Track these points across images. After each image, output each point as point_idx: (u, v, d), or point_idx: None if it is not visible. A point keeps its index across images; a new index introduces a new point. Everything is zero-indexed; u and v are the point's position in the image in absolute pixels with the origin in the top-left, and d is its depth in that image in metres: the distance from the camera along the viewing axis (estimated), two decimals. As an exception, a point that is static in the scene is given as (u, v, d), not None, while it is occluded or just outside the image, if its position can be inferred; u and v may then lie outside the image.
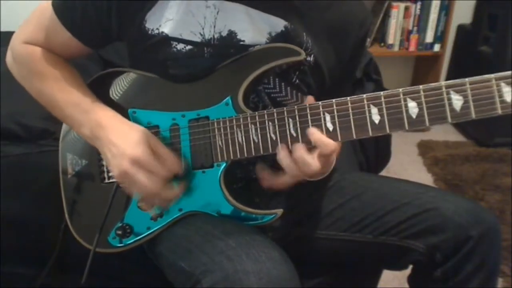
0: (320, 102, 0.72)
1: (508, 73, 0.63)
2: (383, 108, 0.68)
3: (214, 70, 0.79)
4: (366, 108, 0.69)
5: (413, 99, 0.67)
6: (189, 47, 0.78)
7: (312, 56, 0.82)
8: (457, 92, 0.65)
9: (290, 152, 0.73)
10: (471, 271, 0.82)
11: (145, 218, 0.83)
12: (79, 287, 0.84)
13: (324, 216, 0.93)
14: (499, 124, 2.27)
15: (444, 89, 0.65)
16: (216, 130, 0.77)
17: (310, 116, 0.72)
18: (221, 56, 0.78)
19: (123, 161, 0.73)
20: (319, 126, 0.71)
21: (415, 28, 2.50)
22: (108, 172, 0.87)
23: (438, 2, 2.45)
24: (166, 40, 0.78)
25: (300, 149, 0.71)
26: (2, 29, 1.62)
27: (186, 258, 0.76)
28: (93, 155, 0.87)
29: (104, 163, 0.86)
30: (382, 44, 2.56)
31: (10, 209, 1.06)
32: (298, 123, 0.72)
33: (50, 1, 0.80)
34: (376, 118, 0.69)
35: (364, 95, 0.69)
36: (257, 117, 0.75)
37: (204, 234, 0.77)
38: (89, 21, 0.79)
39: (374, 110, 0.69)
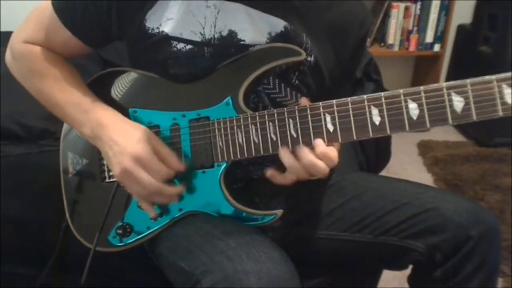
0: (320, 103, 0.72)
1: (509, 74, 0.63)
2: (383, 109, 0.68)
3: (214, 70, 0.79)
4: (367, 109, 0.69)
5: (413, 100, 0.67)
6: (189, 46, 0.78)
7: (312, 56, 0.82)
8: (458, 93, 0.65)
9: (292, 152, 0.72)
10: (471, 271, 0.82)
11: (145, 218, 0.83)
12: (79, 287, 0.84)
13: (324, 216, 0.93)
14: (499, 124, 2.26)
15: (445, 91, 0.65)
16: (216, 130, 0.77)
17: (311, 117, 0.72)
18: (221, 56, 0.78)
19: (124, 159, 0.73)
20: (319, 127, 0.71)
21: (415, 28, 2.50)
22: (108, 171, 0.87)
23: (438, 2, 2.44)
24: (166, 39, 0.78)
25: (308, 154, 0.71)
26: (2, 29, 1.62)
27: (186, 258, 0.76)
28: (94, 155, 0.87)
29: (104, 162, 0.86)
30: (382, 44, 2.56)
31: (10, 209, 1.06)
32: (298, 123, 0.72)
33: (50, 1, 0.80)
34: (377, 119, 0.69)
35: (365, 96, 0.69)
36: (257, 118, 0.75)
37: (204, 234, 0.77)
38: (89, 20, 0.79)
39: (375, 111, 0.69)
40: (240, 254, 0.69)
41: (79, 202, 0.90)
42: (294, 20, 0.80)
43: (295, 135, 0.72)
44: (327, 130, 0.71)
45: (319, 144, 0.71)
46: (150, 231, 0.83)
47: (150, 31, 0.78)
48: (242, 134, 0.76)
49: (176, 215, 0.82)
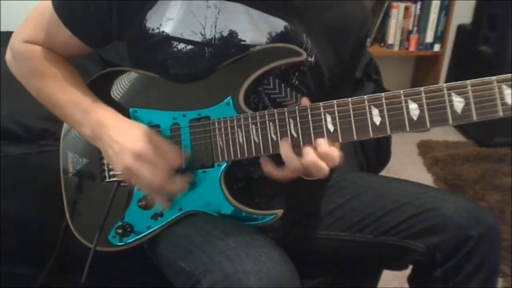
0: (321, 103, 0.71)
1: (509, 75, 0.63)
2: (384, 110, 0.68)
3: (215, 70, 0.79)
4: (367, 109, 0.69)
5: (414, 100, 0.67)
6: (190, 46, 0.78)
7: (312, 56, 0.82)
8: (458, 94, 0.65)
9: (293, 146, 0.72)
10: (471, 271, 0.82)
11: (145, 217, 0.83)
12: (79, 287, 0.84)
13: (324, 216, 0.93)
14: (499, 124, 2.27)
15: (445, 91, 0.65)
16: (217, 130, 0.77)
17: (311, 117, 0.72)
18: (221, 56, 0.78)
19: (126, 156, 0.73)
20: (320, 127, 0.71)
21: (415, 28, 2.50)
22: (108, 171, 0.87)
23: (438, 2, 2.44)
24: (166, 39, 0.78)
25: (311, 153, 0.71)
26: (2, 29, 1.61)
27: (186, 258, 0.76)
28: (93, 154, 0.87)
29: (104, 162, 0.87)
30: (382, 44, 2.56)
31: (10, 209, 1.06)
32: (299, 123, 0.72)
33: (50, 1, 0.80)
34: (377, 120, 0.69)
35: (365, 96, 0.69)
36: (258, 117, 0.75)
37: (204, 234, 0.77)
38: (89, 20, 0.79)
39: (375, 112, 0.68)
40: (240, 254, 0.69)
41: (79, 202, 0.90)
42: (294, 20, 0.80)
43: (295, 135, 0.72)
44: (328, 130, 0.71)
45: (321, 144, 0.71)
46: (150, 230, 0.83)
47: (150, 31, 0.78)
48: (242, 134, 0.76)
49: (176, 215, 0.82)
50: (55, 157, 0.93)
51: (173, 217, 0.82)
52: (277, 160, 0.77)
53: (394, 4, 2.46)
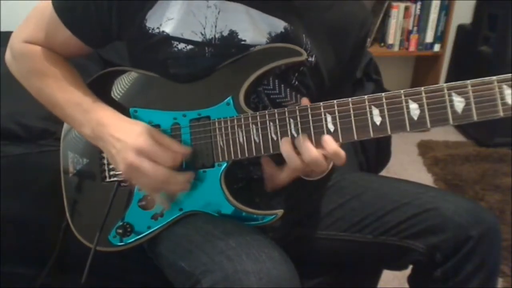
0: (321, 103, 0.71)
1: (510, 75, 0.63)
2: (384, 110, 0.68)
3: (215, 69, 0.79)
4: (368, 109, 0.69)
5: (414, 100, 0.67)
6: (190, 46, 0.78)
7: (312, 57, 0.82)
8: (458, 94, 0.65)
9: (293, 144, 0.72)
10: (471, 271, 0.82)
11: (145, 217, 0.83)
12: (79, 287, 0.84)
13: (324, 216, 0.93)
14: (499, 124, 2.27)
15: (445, 91, 0.65)
16: (217, 130, 0.77)
17: (312, 117, 0.72)
18: (222, 56, 0.78)
19: (128, 153, 0.73)
20: (320, 127, 0.71)
21: (415, 28, 2.50)
22: (109, 171, 0.87)
23: (438, 2, 2.45)
24: (167, 39, 0.78)
25: (306, 143, 0.71)
26: (2, 29, 1.61)
27: (186, 258, 0.76)
28: (94, 154, 0.87)
29: (105, 161, 0.87)
30: (382, 44, 2.56)
31: (10, 209, 1.06)
32: (299, 123, 0.72)
33: (50, 0, 0.80)
34: (378, 120, 0.69)
35: (366, 96, 0.69)
36: (258, 117, 0.75)
37: (204, 234, 0.77)
38: (89, 20, 0.79)
39: (376, 112, 0.68)
40: (240, 254, 0.69)
41: (79, 202, 0.90)
42: (294, 20, 0.80)
43: (295, 135, 0.72)
44: (328, 130, 0.71)
45: (328, 141, 0.70)
46: (150, 230, 0.83)
47: (150, 31, 0.78)
48: (242, 133, 0.76)
49: (177, 215, 0.82)
50: (55, 157, 0.93)
51: (173, 217, 0.82)
52: (278, 161, 0.77)
53: (394, 4, 2.46)
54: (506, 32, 2.28)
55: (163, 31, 0.77)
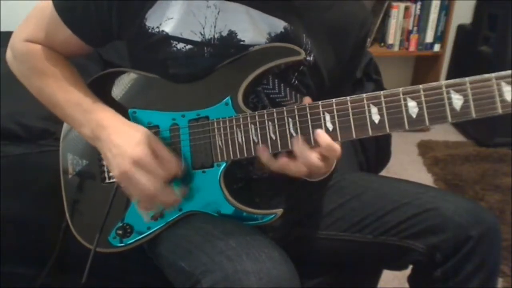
0: (319, 102, 0.71)
1: (508, 72, 0.63)
2: (383, 108, 0.68)
3: (214, 70, 0.79)
4: (366, 107, 0.69)
5: (413, 98, 0.67)
6: (189, 46, 0.78)
7: (311, 56, 0.82)
8: (457, 91, 0.65)
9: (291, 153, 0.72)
10: (471, 271, 0.82)
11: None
12: (79, 287, 0.84)
13: (324, 216, 0.93)
14: (499, 124, 2.28)
15: (444, 89, 0.65)
16: (216, 130, 0.77)
17: (310, 116, 0.71)
18: (221, 56, 0.78)
19: (124, 161, 0.73)
20: (319, 126, 0.71)
21: (415, 28, 2.50)
22: (108, 172, 0.87)
23: (438, 2, 2.44)
24: (166, 39, 0.78)
25: (303, 150, 0.71)
26: (2, 29, 1.62)
27: (186, 258, 0.76)
28: (93, 155, 0.87)
29: (104, 163, 0.86)
30: (382, 44, 2.56)
31: (10, 209, 1.06)
32: (298, 122, 0.72)
33: (50, 0, 0.80)
34: (376, 118, 0.68)
35: (364, 95, 0.69)
36: (256, 117, 0.75)
37: (204, 234, 0.77)
38: (89, 19, 0.79)
39: (374, 110, 0.68)
40: (240, 254, 0.69)
41: (79, 203, 0.90)
42: (294, 20, 0.80)
43: (294, 134, 0.72)
44: (327, 129, 0.71)
45: (322, 134, 0.70)
46: (150, 231, 0.83)
47: (150, 30, 0.78)
48: (241, 133, 0.75)
49: (176, 215, 0.82)
50: (55, 157, 0.93)
51: (173, 217, 0.82)
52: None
53: (394, 4, 2.46)
54: (506, 32, 2.28)
55: (162, 31, 0.77)
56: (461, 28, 2.65)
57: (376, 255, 0.92)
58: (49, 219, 1.00)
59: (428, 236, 0.84)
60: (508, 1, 2.24)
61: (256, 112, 0.75)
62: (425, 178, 2.14)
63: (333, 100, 0.71)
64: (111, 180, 0.86)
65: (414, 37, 2.52)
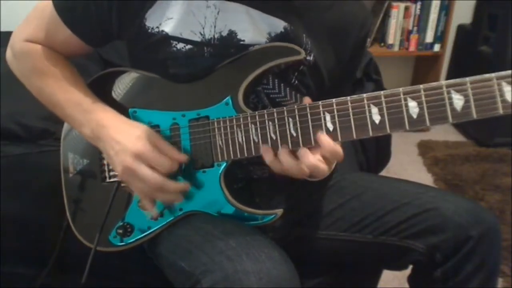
0: (320, 102, 0.71)
1: (509, 72, 0.62)
2: (383, 108, 0.68)
3: (214, 69, 0.79)
4: (367, 108, 0.69)
5: (413, 98, 0.66)
6: (189, 46, 0.78)
7: (312, 56, 0.82)
8: (457, 91, 0.65)
9: (293, 151, 0.72)
10: (471, 271, 0.82)
11: (145, 217, 0.83)
12: (80, 287, 0.84)
13: (324, 216, 0.93)
14: (499, 124, 2.28)
15: (444, 89, 0.65)
16: (216, 129, 0.77)
17: (310, 116, 0.71)
18: (221, 56, 0.78)
19: (126, 157, 0.73)
20: (319, 126, 0.71)
21: (415, 28, 2.50)
22: (109, 171, 0.87)
23: (438, 2, 2.45)
24: (166, 39, 0.78)
25: (307, 155, 0.71)
26: (2, 29, 1.62)
27: (186, 258, 0.76)
28: (94, 155, 0.87)
29: (105, 162, 0.87)
30: (382, 44, 2.56)
31: (10, 209, 1.06)
32: (298, 122, 0.72)
33: (50, 0, 0.80)
34: (377, 118, 0.68)
35: (364, 95, 0.69)
36: (257, 117, 0.75)
37: (204, 234, 0.77)
38: (89, 19, 0.79)
39: (375, 110, 0.68)
40: (240, 254, 0.69)
41: (79, 202, 0.90)
42: (294, 20, 0.80)
43: (294, 134, 0.72)
44: (327, 129, 0.71)
45: (325, 140, 0.70)
46: (150, 231, 0.83)
47: (150, 30, 0.78)
48: (242, 133, 0.75)
49: (177, 215, 0.82)
50: (55, 157, 0.93)
51: (173, 217, 0.82)
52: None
53: (394, 4, 2.46)
54: (506, 32, 2.28)
55: (162, 31, 0.77)
56: (461, 28, 2.65)
57: (376, 255, 0.92)
58: (49, 219, 1.00)
59: (428, 236, 0.84)
60: (508, 1, 2.24)
61: (257, 112, 0.75)
62: (425, 178, 2.14)
63: (334, 100, 0.70)
64: (112, 180, 0.86)
65: (414, 37, 2.52)
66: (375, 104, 0.68)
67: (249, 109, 0.77)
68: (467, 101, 0.64)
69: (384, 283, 1.22)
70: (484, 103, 0.63)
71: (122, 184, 0.84)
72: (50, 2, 0.80)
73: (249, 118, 0.75)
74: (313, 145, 0.71)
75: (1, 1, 1.81)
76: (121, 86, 0.85)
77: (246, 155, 0.76)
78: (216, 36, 0.78)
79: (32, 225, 1.08)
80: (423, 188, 0.91)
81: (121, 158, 0.74)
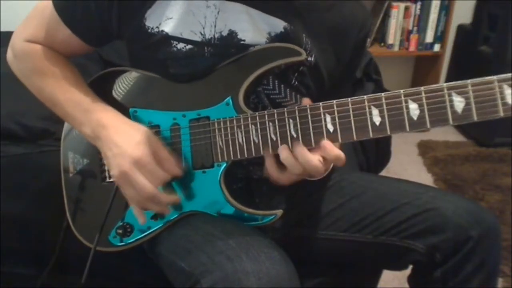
0: (320, 103, 0.71)
1: (510, 75, 0.63)
2: (384, 110, 0.68)
3: (214, 69, 0.79)
4: (367, 109, 0.68)
5: (414, 100, 0.66)
6: (189, 46, 0.78)
7: (312, 57, 0.82)
8: (458, 94, 0.64)
9: (292, 152, 0.72)
10: (471, 271, 0.82)
11: (145, 218, 0.83)
12: (80, 287, 0.84)
13: (324, 216, 0.93)
14: (499, 124, 2.27)
15: (445, 91, 0.65)
16: (216, 130, 0.77)
17: (311, 117, 0.71)
18: (221, 55, 0.78)
19: (124, 161, 0.73)
20: (319, 127, 0.71)
21: (415, 28, 2.50)
22: (109, 171, 0.87)
23: (438, 2, 2.44)
24: (166, 39, 0.78)
25: (304, 153, 0.71)
26: (2, 29, 1.62)
27: (185, 258, 0.76)
28: (94, 155, 0.87)
29: (105, 162, 0.86)
30: (382, 44, 2.56)
31: (10, 209, 1.06)
32: (298, 123, 0.72)
33: (50, 0, 0.80)
34: (377, 120, 0.68)
35: (365, 96, 0.69)
36: (257, 118, 0.75)
37: (204, 234, 0.77)
38: (89, 19, 0.79)
39: (375, 112, 0.68)
40: (240, 254, 0.69)
41: (79, 202, 0.90)
42: (295, 20, 0.80)
43: (295, 135, 0.72)
44: (327, 130, 0.71)
45: (329, 146, 0.70)
46: (150, 231, 0.83)
47: (149, 30, 0.78)
48: (242, 134, 0.75)
49: (176, 215, 0.82)
50: (55, 157, 0.93)
51: (173, 217, 0.82)
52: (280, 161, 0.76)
53: (394, 4, 2.46)
54: (506, 32, 2.28)
55: (162, 31, 0.77)
56: (461, 28, 2.64)
57: (376, 255, 0.92)
58: (49, 219, 1.00)
59: (428, 236, 0.84)
60: (508, 1, 2.24)
61: (257, 113, 0.75)
62: (425, 178, 2.14)
63: (334, 101, 0.70)
64: (112, 180, 0.86)
65: (414, 37, 2.52)
66: (376, 106, 0.68)
67: (250, 109, 0.76)
68: (468, 103, 0.64)
69: (384, 283, 1.22)
70: (485, 106, 0.63)
71: (118, 185, 0.84)
72: (50, 2, 0.80)
73: (249, 119, 0.75)
74: (313, 147, 0.71)
75: (1, 1, 1.81)
76: (122, 86, 0.85)
77: (246, 155, 0.76)
78: (216, 36, 0.78)
79: (32, 225, 1.09)
80: (423, 188, 0.91)
81: (119, 161, 0.74)
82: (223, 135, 0.77)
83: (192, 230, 0.80)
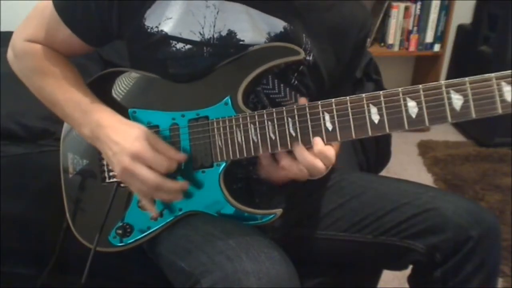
0: (319, 102, 0.71)
1: (508, 72, 0.63)
2: (382, 108, 0.68)
3: (213, 69, 0.79)
4: (366, 107, 0.69)
5: (412, 98, 0.67)
6: (188, 46, 0.78)
7: (311, 56, 0.82)
8: (457, 91, 0.65)
9: (291, 151, 0.73)
10: (471, 271, 0.82)
11: (145, 218, 0.83)
12: (79, 287, 0.84)
13: (324, 216, 0.93)
14: (499, 124, 2.27)
15: (444, 89, 0.65)
16: (215, 129, 0.77)
17: (310, 116, 0.71)
18: (220, 55, 0.78)
19: (124, 157, 0.73)
20: (318, 126, 0.71)
21: (415, 28, 2.50)
22: (108, 171, 0.87)
23: (438, 2, 2.44)
24: (165, 39, 0.78)
25: (303, 152, 0.71)
26: (2, 29, 1.62)
27: (185, 258, 0.76)
28: (94, 155, 0.87)
29: (104, 162, 0.87)
30: (382, 44, 2.56)
31: (10, 209, 1.07)
32: (297, 122, 0.72)
33: (50, 0, 0.80)
34: (376, 118, 0.68)
35: (364, 95, 0.69)
36: (256, 117, 0.75)
37: (204, 234, 0.77)
38: (89, 19, 0.79)
39: (374, 110, 0.68)
40: (240, 254, 0.69)
41: (79, 203, 0.90)
42: (294, 20, 0.80)
43: (294, 134, 0.72)
44: (326, 129, 0.71)
45: (318, 142, 0.71)
46: (150, 231, 0.83)
47: (149, 30, 0.78)
48: (241, 133, 0.75)
49: (176, 215, 0.82)
50: (55, 157, 0.93)
51: (173, 217, 0.82)
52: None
53: (394, 4, 2.46)
54: (506, 32, 2.28)
55: (161, 31, 0.77)
56: (461, 28, 2.64)
57: (376, 255, 0.92)
58: (49, 219, 1.00)
59: (428, 236, 0.84)
60: (508, 1, 2.24)
61: (256, 112, 0.75)
62: (425, 178, 2.14)
63: (333, 100, 0.71)
64: (111, 180, 0.86)
65: (414, 37, 2.51)
66: (374, 104, 0.68)
67: (249, 109, 0.77)
68: (466, 101, 0.64)
69: (384, 283, 1.22)
70: (483, 103, 0.63)
71: (122, 185, 0.84)
72: (50, 2, 0.80)
73: (248, 118, 0.75)
74: (312, 146, 0.71)
75: (1, 1, 1.82)
76: (121, 86, 0.85)
77: (245, 155, 0.76)
78: (215, 36, 0.78)
79: (32, 225, 1.09)
80: (423, 188, 0.90)
81: (119, 158, 0.74)
82: (222, 135, 0.77)
83: (192, 230, 0.80)
